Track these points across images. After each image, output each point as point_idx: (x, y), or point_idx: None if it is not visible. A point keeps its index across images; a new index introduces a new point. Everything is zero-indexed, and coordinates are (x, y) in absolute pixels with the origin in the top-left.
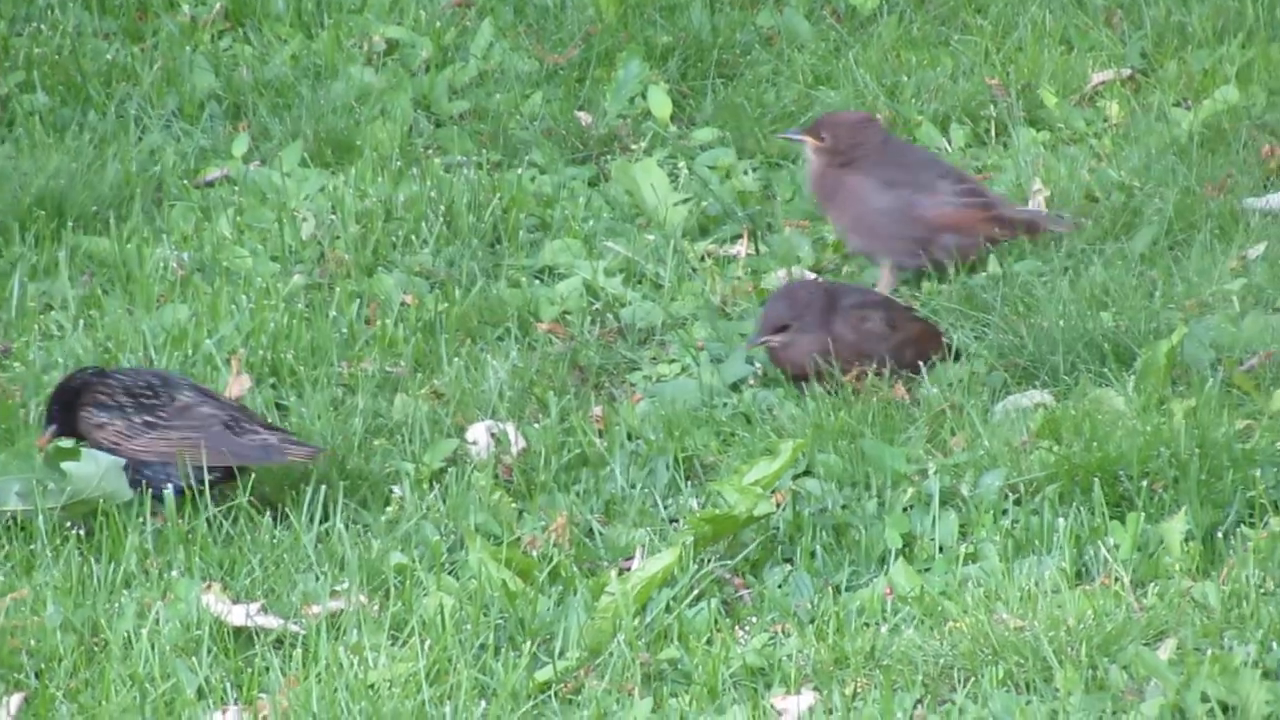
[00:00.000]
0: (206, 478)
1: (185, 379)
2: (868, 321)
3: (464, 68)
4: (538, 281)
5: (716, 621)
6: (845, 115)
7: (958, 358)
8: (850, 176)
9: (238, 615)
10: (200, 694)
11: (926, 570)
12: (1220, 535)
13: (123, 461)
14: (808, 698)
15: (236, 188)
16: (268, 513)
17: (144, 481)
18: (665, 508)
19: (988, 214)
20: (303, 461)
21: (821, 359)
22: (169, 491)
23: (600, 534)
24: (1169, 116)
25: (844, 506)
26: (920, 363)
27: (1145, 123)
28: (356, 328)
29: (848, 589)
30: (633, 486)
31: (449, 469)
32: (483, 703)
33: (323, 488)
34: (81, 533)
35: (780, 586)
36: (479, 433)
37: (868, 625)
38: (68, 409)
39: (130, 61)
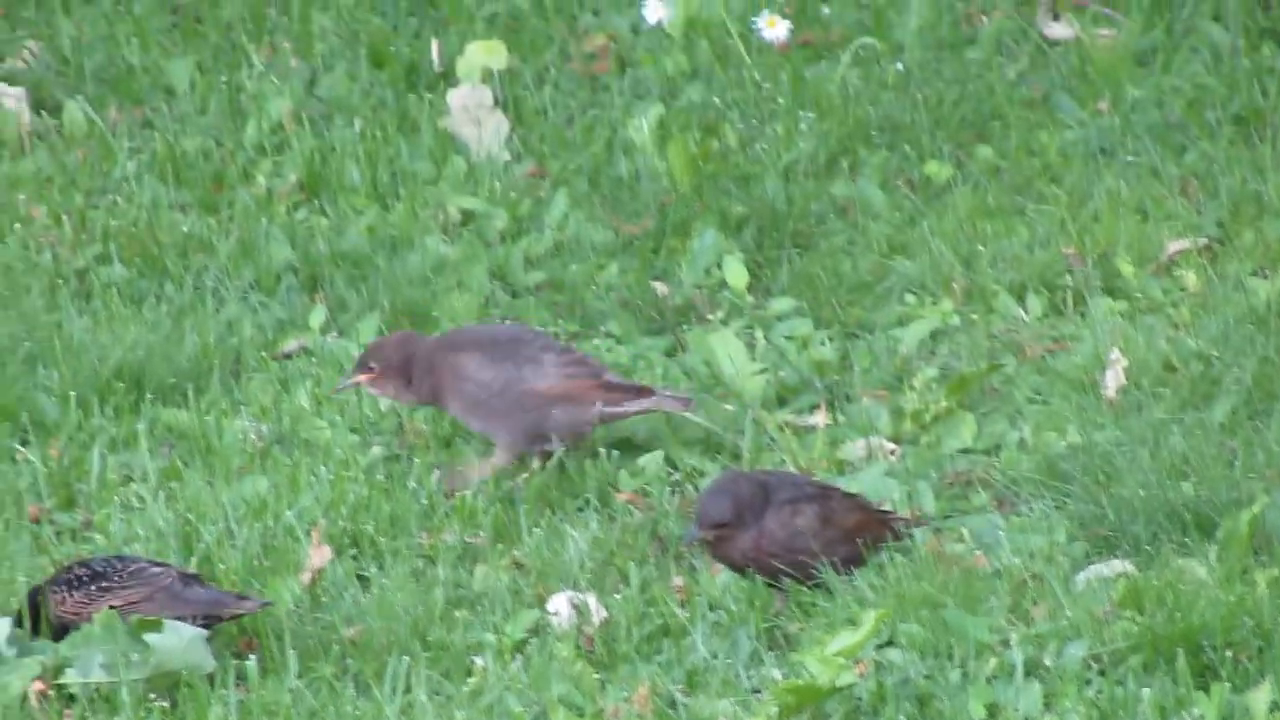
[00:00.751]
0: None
1: (142, 557)
2: (799, 516)
3: (539, 238)
4: (616, 452)
5: None
6: (384, 339)
7: (898, 539)
8: (451, 356)
9: None
10: None
11: None
12: None
13: (205, 633)
14: None
15: (314, 359)
16: (351, 684)
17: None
18: (748, 678)
19: (596, 382)
20: (248, 613)
21: (753, 557)
22: (251, 662)
23: (683, 705)
24: (1246, 286)
25: (927, 676)
26: (864, 552)
27: (1222, 291)
28: (436, 499)
29: None
30: (715, 657)
31: (531, 639)
32: None
33: (404, 659)
34: (165, 704)
35: None
36: (560, 603)
37: None
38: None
39: (206, 233)
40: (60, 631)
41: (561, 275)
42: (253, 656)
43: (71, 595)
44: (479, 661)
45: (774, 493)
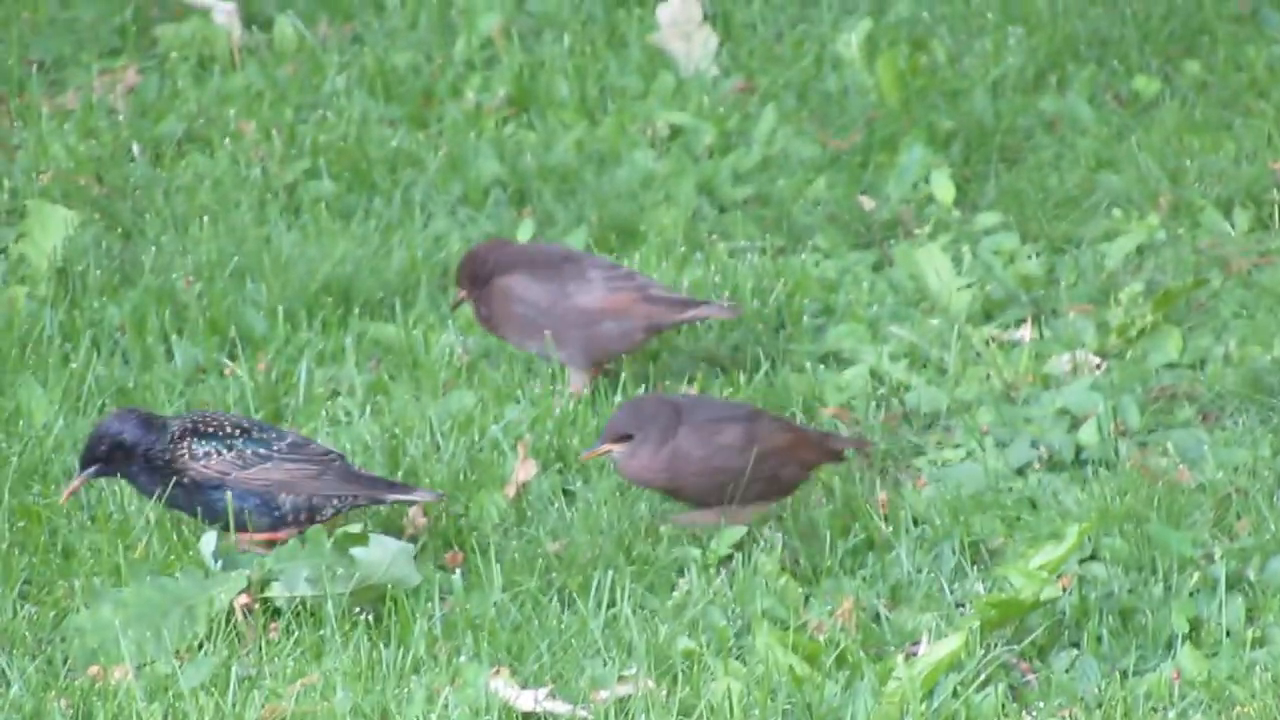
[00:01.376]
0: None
1: (286, 430)
2: (720, 435)
3: (747, 153)
4: (822, 366)
5: (1004, 706)
6: (469, 252)
7: (839, 460)
8: (496, 279)
9: (526, 700)
10: None
11: (1214, 655)
12: None
13: (411, 547)
14: None
15: None
16: (555, 598)
17: (245, 510)
18: (951, 592)
19: (640, 295)
20: (427, 503)
21: (666, 476)
22: (456, 577)
23: (886, 619)
24: None
25: (1130, 591)
26: (803, 475)
27: None
28: None
29: (1134, 674)
30: (918, 571)
31: (735, 554)
32: None
33: (609, 573)
34: (370, 618)
35: (1067, 671)
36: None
37: (1155, 710)
38: (118, 450)
39: (415, 148)
40: (180, 488)
41: (769, 190)
42: (457, 570)
43: (221, 453)
44: (683, 581)
45: (693, 412)
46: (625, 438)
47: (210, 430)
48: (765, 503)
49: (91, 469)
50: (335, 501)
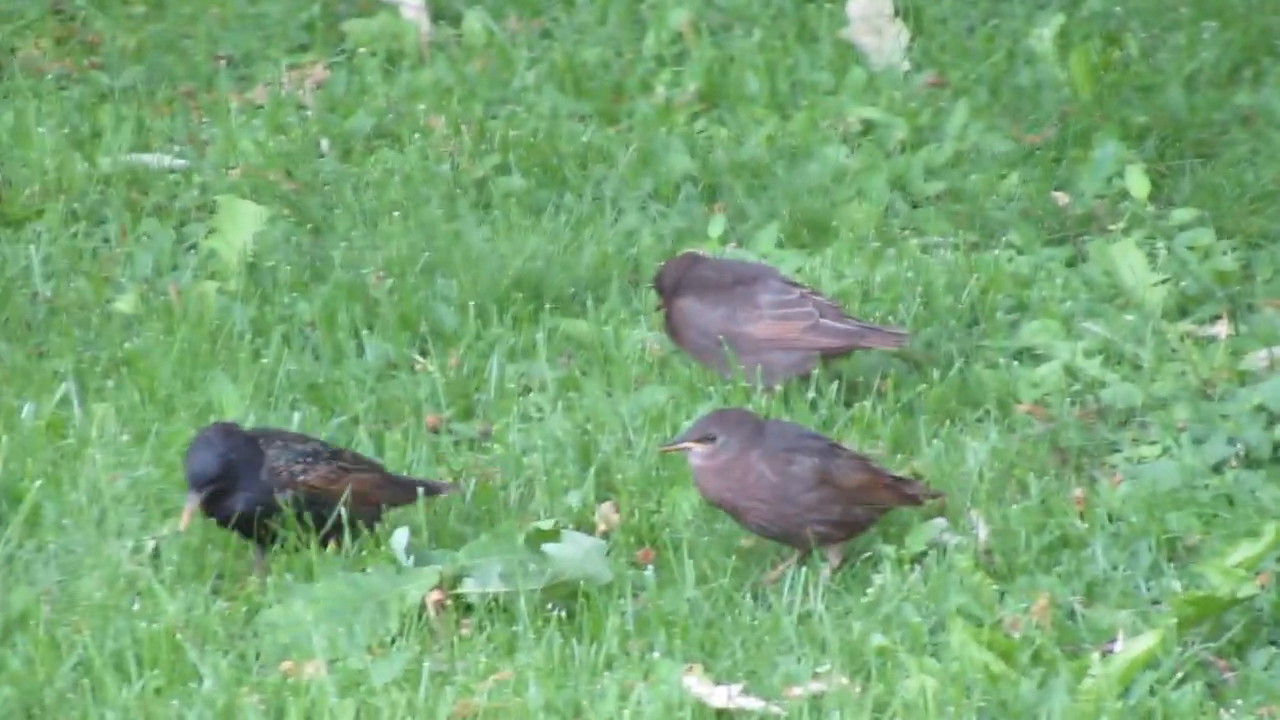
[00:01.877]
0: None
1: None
2: (793, 465)
3: (939, 148)
4: (1016, 363)
5: (1201, 705)
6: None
7: (916, 504)
8: (677, 301)
9: (719, 697)
10: None
11: None
12: None
13: (603, 544)
14: None
15: None
16: (748, 595)
17: (313, 514)
18: (1147, 589)
19: (808, 325)
20: (443, 493)
21: (734, 491)
22: (649, 573)
23: (1082, 616)
24: None
25: None
26: (874, 517)
27: None
28: (834, 409)
29: None
30: (1114, 568)
31: (929, 551)
32: None
33: (803, 569)
34: (562, 614)
35: (1266, 669)
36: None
37: None
38: (231, 472)
39: (606, 143)
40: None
41: (961, 185)
42: (650, 567)
43: (317, 468)
44: (877, 573)
45: (772, 435)
46: (708, 439)
47: (302, 450)
48: (831, 543)
49: (208, 489)
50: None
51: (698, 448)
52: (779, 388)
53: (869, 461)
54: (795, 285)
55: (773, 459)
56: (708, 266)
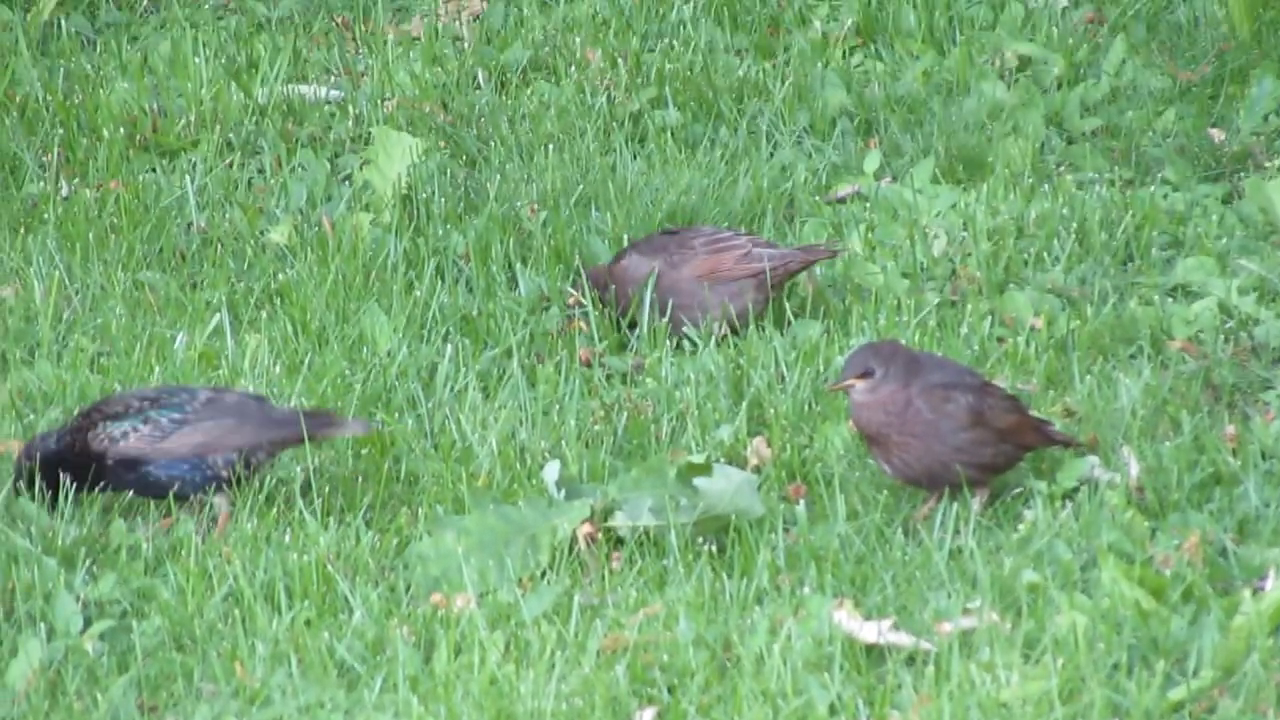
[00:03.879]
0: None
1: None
2: (949, 402)
3: (1096, 84)
4: (1170, 299)
5: None
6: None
7: (1068, 446)
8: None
9: (869, 632)
10: (832, 711)
11: None
12: None
13: (754, 478)
14: None
15: (868, 204)
16: (899, 530)
17: (178, 479)
18: None
19: (740, 253)
20: (355, 436)
21: (893, 425)
22: (800, 508)
23: (1233, 553)
24: None
25: None
26: (1016, 458)
27: None
28: (988, 345)
29: None
30: (1267, 505)
31: (1081, 487)
32: None
33: (954, 505)
34: (713, 549)
35: None
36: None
37: None
38: (54, 461)
39: (761, 78)
40: (111, 472)
41: (1117, 121)
42: (801, 502)
43: (138, 429)
44: (1028, 509)
45: (927, 370)
46: (868, 374)
47: (119, 410)
48: (975, 484)
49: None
50: (267, 446)
51: (859, 384)
52: (722, 330)
53: (1019, 401)
54: (728, 229)
55: (930, 394)
56: (641, 239)
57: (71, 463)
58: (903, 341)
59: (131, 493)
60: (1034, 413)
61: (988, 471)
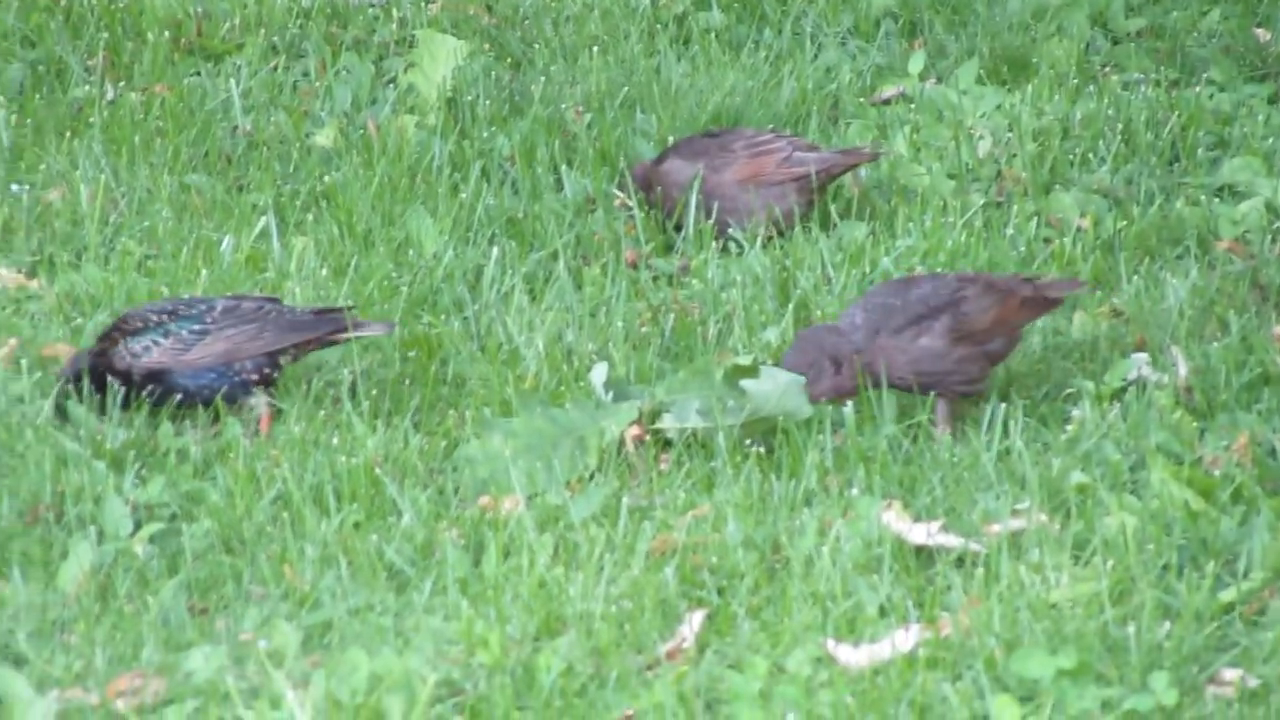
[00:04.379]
0: (285, 361)
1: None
2: (922, 337)
3: None
4: (1216, 199)
5: None
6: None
7: (1056, 305)
8: (660, 167)
9: (918, 534)
10: (881, 612)
11: None
12: None
13: (801, 379)
14: None
15: (913, 105)
16: (945, 431)
17: (205, 387)
18: None
19: (782, 156)
20: (377, 336)
21: (878, 378)
22: (848, 409)
23: None
24: None
25: None
26: (1016, 338)
27: None
28: (1034, 246)
29: None
30: None
31: (1129, 388)
32: (1165, 623)
33: (1001, 405)
34: (761, 450)
35: None
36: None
37: None
38: (88, 373)
39: None
40: (140, 386)
41: (1162, 21)
42: (849, 403)
43: (159, 343)
44: (1076, 411)
45: (887, 318)
46: (814, 368)
47: (139, 325)
48: (976, 384)
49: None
50: (292, 350)
51: (817, 386)
52: (767, 232)
53: (997, 282)
54: (769, 131)
55: (898, 337)
56: (682, 141)
57: (99, 380)
58: (823, 324)
59: (158, 399)
60: (1020, 279)
61: (988, 369)
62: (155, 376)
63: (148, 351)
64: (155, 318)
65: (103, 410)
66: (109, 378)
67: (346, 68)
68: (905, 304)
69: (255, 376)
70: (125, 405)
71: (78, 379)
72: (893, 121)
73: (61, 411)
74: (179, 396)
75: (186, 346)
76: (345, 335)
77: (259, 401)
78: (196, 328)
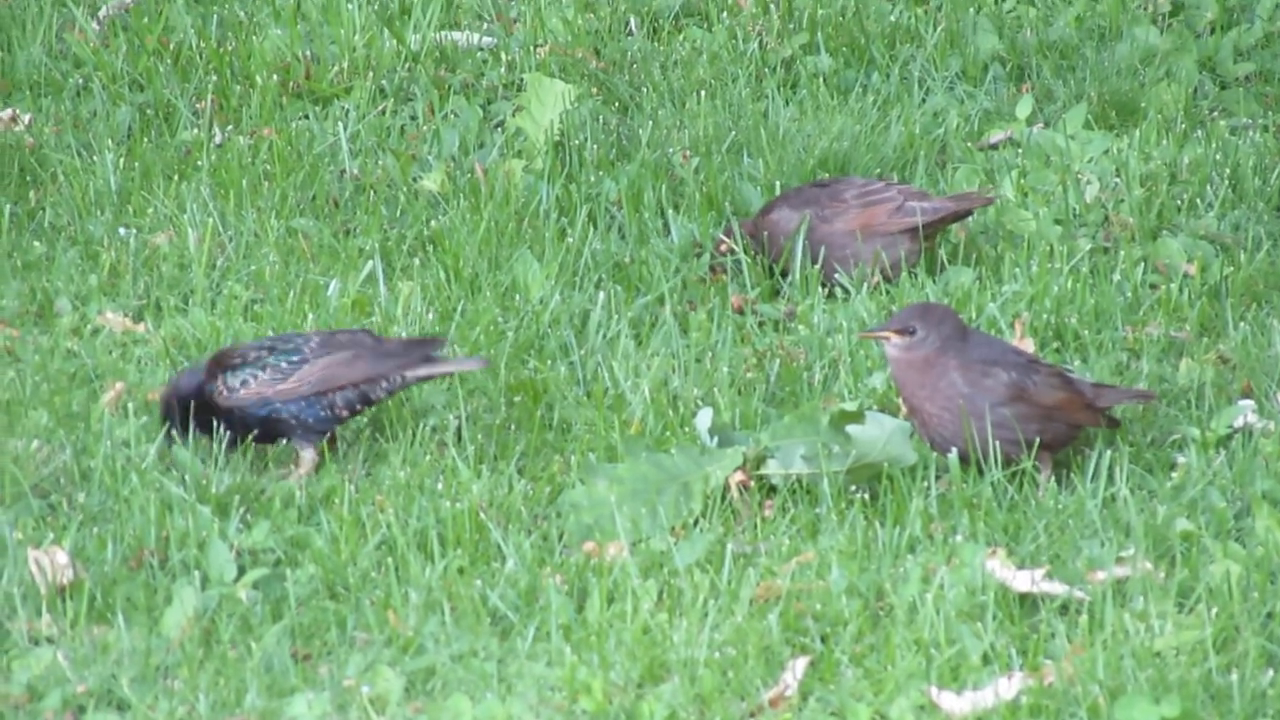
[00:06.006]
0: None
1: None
2: (988, 378)
3: (1249, 29)
4: None
5: None
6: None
7: (1115, 426)
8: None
9: (1022, 581)
10: (985, 659)
11: None
12: None
13: (906, 425)
14: None
15: (1020, 150)
16: (1051, 478)
17: (302, 418)
18: None
19: (893, 205)
20: (470, 371)
21: (924, 394)
22: (953, 455)
23: None
24: None
25: None
26: (1071, 436)
27: None
28: (1141, 292)
29: None
30: None
31: (1235, 435)
32: (1269, 671)
33: (1107, 453)
34: (866, 496)
35: None
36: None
37: None
38: (189, 408)
39: (914, 23)
40: (241, 425)
41: (1271, 66)
42: (953, 450)
43: (257, 376)
44: (1181, 457)
45: (972, 345)
46: (908, 331)
47: (236, 362)
48: (1014, 462)
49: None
50: (384, 383)
51: (895, 338)
52: (875, 278)
53: (1072, 379)
54: (879, 179)
55: (968, 368)
56: (790, 191)
57: (199, 415)
58: (953, 310)
59: (254, 439)
60: (1089, 381)
61: (1037, 448)
62: (252, 407)
63: (245, 385)
64: (254, 354)
65: (207, 453)
66: (213, 420)
67: (454, 111)
68: (989, 341)
69: (346, 412)
70: (232, 447)
71: (183, 419)
72: (1000, 166)
73: (165, 454)
74: (271, 427)
75: (284, 376)
76: (440, 369)
77: (309, 456)
78: (295, 358)
